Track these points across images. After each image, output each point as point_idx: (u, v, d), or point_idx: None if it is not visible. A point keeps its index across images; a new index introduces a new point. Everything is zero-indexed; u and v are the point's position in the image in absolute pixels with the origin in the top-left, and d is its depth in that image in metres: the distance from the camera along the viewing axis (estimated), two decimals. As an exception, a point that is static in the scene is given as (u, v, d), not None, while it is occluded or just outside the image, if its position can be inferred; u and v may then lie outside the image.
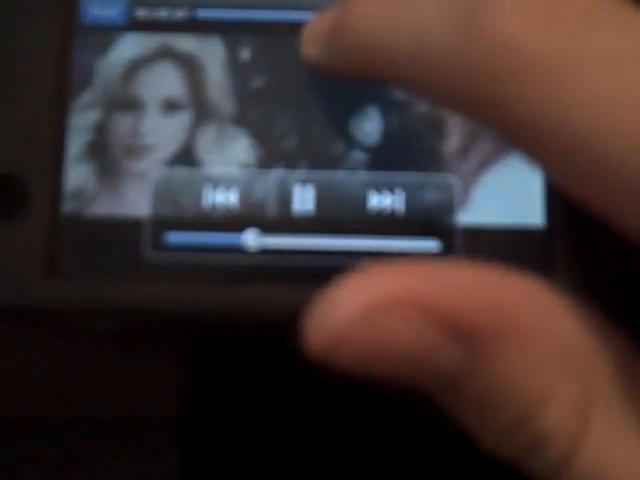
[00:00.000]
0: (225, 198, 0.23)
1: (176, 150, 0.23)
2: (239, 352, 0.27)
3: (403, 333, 0.12)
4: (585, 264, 0.23)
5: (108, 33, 0.24)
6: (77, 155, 0.23)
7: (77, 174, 0.23)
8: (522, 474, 0.14)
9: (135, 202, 0.23)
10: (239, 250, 0.23)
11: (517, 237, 0.23)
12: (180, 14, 0.24)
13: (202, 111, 0.23)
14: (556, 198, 0.23)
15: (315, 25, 0.20)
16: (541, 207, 0.23)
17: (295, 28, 0.23)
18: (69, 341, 0.26)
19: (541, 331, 0.13)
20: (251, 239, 0.23)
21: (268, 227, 0.23)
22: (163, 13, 0.24)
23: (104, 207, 0.23)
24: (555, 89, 0.13)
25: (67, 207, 0.23)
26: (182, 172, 0.23)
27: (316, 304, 0.13)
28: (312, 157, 0.23)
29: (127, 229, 0.23)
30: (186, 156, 0.23)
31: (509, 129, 0.14)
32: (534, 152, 0.14)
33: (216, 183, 0.23)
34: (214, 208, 0.23)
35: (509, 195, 0.23)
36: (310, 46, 0.19)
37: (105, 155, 0.23)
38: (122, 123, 0.23)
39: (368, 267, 0.13)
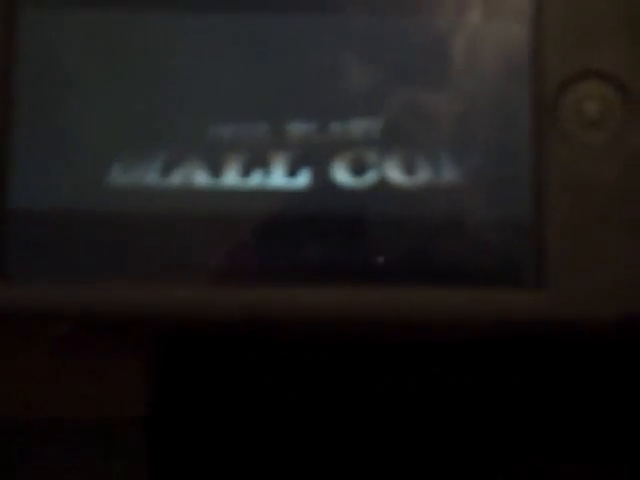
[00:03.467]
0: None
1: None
2: (206, 350, 0.26)
3: None
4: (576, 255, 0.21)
5: (56, 10, 0.22)
6: (24, 144, 0.21)
7: (24, 165, 0.21)
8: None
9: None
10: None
11: (504, 231, 0.21)
12: None
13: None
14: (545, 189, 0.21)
15: None
16: (529, 199, 0.21)
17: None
18: (28, 342, 0.25)
19: None
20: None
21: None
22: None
23: (56, 201, 0.21)
24: None
25: (14, 200, 0.21)
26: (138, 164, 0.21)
27: None
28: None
29: (78, 224, 0.21)
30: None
31: None
32: None
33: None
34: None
35: (495, 187, 0.21)
36: None
37: (55, 143, 0.21)
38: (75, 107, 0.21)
39: None
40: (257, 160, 0.21)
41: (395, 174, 0.21)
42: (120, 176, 0.21)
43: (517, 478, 0.28)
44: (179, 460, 0.27)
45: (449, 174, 0.21)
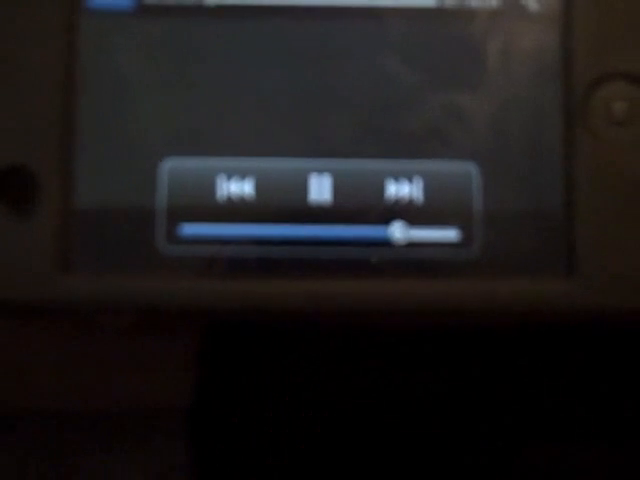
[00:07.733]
0: (240, 188, 0.23)
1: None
2: (251, 344, 0.27)
3: None
4: (606, 245, 0.22)
5: (115, 19, 0.23)
6: (88, 146, 0.23)
7: (89, 165, 0.23)
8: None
9: (149, 194, 0.23)
10: (257, 241, 0.22)
11: (537, 222, 0.22)
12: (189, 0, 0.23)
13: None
14: (575, 183, 0.22)
15: None
16: (560, 192, 0.22)
17: (313, 13, 0.22)
18: (79, 334, 0.26)
19: None
20: (269, 230, 0.23)
21: (283, 218, 0.22)
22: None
23: (117, 199, 0.22)
24: None
25: (79, 200, 0.23)
26: (196, 162, 0.23)
27: None
28: (329, 145, 0.23)
29: (141, 221, 0.22)
30: (200, 144, 0.23)
31: None
32: None
33: (231, 173, 0.23)
34: (229, 199, 0.23)
35: (528, 181, 0.23)
36: None
37: (117, 145, 0.23)
38: (134, 110, 0.23)
39: None
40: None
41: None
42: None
43: (531, 463, 0.28)
44: (222, 452, 0.28)
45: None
